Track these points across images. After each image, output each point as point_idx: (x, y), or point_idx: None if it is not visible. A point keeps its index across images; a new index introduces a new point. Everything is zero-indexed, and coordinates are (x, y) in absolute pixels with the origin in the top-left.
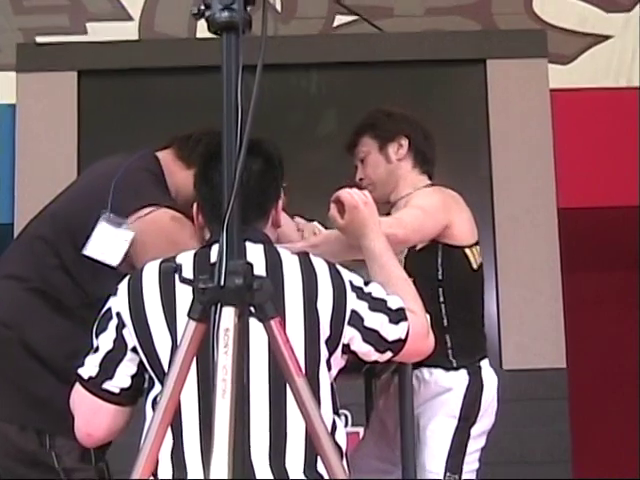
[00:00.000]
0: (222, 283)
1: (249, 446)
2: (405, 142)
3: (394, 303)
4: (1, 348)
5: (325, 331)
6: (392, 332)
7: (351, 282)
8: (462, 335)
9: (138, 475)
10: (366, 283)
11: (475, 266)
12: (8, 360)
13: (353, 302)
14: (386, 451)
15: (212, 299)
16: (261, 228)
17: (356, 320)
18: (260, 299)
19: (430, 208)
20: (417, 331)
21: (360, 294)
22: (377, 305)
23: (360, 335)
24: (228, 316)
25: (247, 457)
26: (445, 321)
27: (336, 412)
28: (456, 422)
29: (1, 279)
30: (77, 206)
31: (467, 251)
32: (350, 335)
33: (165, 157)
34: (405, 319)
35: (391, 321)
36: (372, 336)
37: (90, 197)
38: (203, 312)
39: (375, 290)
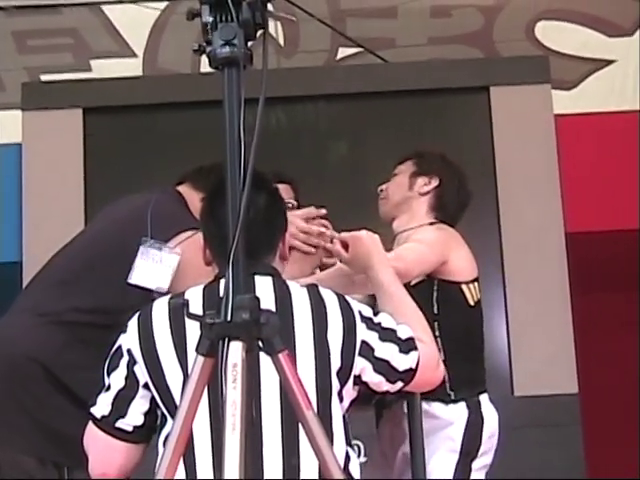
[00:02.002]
0: (229, 318)
1: None
2: (435, 182)
3: (404, 333)
4: (23, 381)
5: (336, 363)
6: (403, 362)
7: (360, 313)
8: (459, 368)
9: None
10: (375, 313)
11: (472, 302)
12: (29, 393)
13: (363, 333)
14: None
15: (219, 334)
16: (269, 262)
17: (366, 351)
18: (267, 333)
19: (429, 242)
20: (427, 360)
21: (370, 324)
22: (387, 335)
23: (371, 366)
24: (236, 351)
25: None
26: (442, 354)
27: (349, 443)
28: (457, 457)
29: (26, 314)
30: (112, 238)
31: (464, 287)
32: (361, 366)
33: (184, 190)
34: (415, 349)
35: (401, 351)
36: (383, 366)
37: (126, 230)
38: (211, 347)
39: (384, 320)
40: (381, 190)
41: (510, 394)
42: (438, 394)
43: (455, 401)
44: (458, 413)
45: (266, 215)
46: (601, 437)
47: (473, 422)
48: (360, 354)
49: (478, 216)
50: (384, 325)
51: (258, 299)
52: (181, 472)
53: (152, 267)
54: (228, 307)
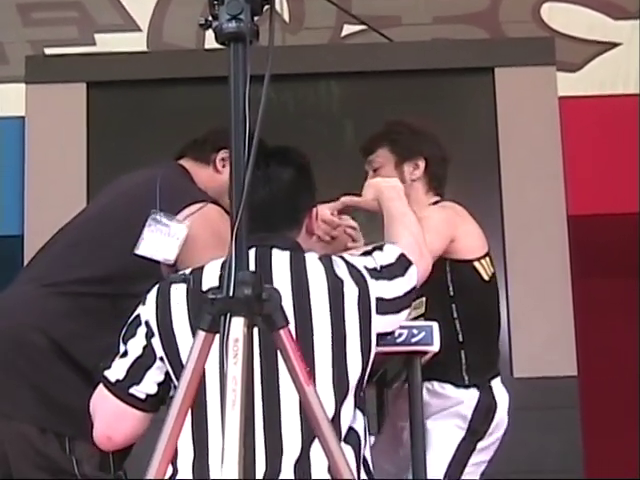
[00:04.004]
0: (231, 293)
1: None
2: (422, 164)
3: (393, 255)
4: (27, 351)
5: (354, 338)
6: (403, 286)
7: (366, 267)
8: (477, 352)
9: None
10: (372, 255)
11: (487, 277)
12: (33, 363)
13: (375, 289)
14: (399, 454)
15: (221, 309)
16: (293, 236)
17: (382, 304)
18: (269, 309)
19: (434, 226)
20: (415, 262)
21: (376, 275)
22: (390, 272)
23: (389, 312)
24: (237, 326)
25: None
26: (460, 337)
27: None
28: (463, 433)
29: (31, 285)
30: (117, 211)
31: (476, 264)
32: (382, 322)
33: (186, 163)
34: (409, 263)
35: (402, 275)
36: (395, 302)
37: (133, 203)
38: (212, 322)
39: (379, 257)
40: None
41: (510, 376)
42: (452, 376)
43: (467, 386)
44: (469, 396)
45: (290, 190)
46: (599, 420)
47: (484, 403)
48: (378, 312)
49: (481, 197)
50: (384, 263)
51: (260, 275)
52: (189, 448)
53: (160, 239)
54: (230, 283)
